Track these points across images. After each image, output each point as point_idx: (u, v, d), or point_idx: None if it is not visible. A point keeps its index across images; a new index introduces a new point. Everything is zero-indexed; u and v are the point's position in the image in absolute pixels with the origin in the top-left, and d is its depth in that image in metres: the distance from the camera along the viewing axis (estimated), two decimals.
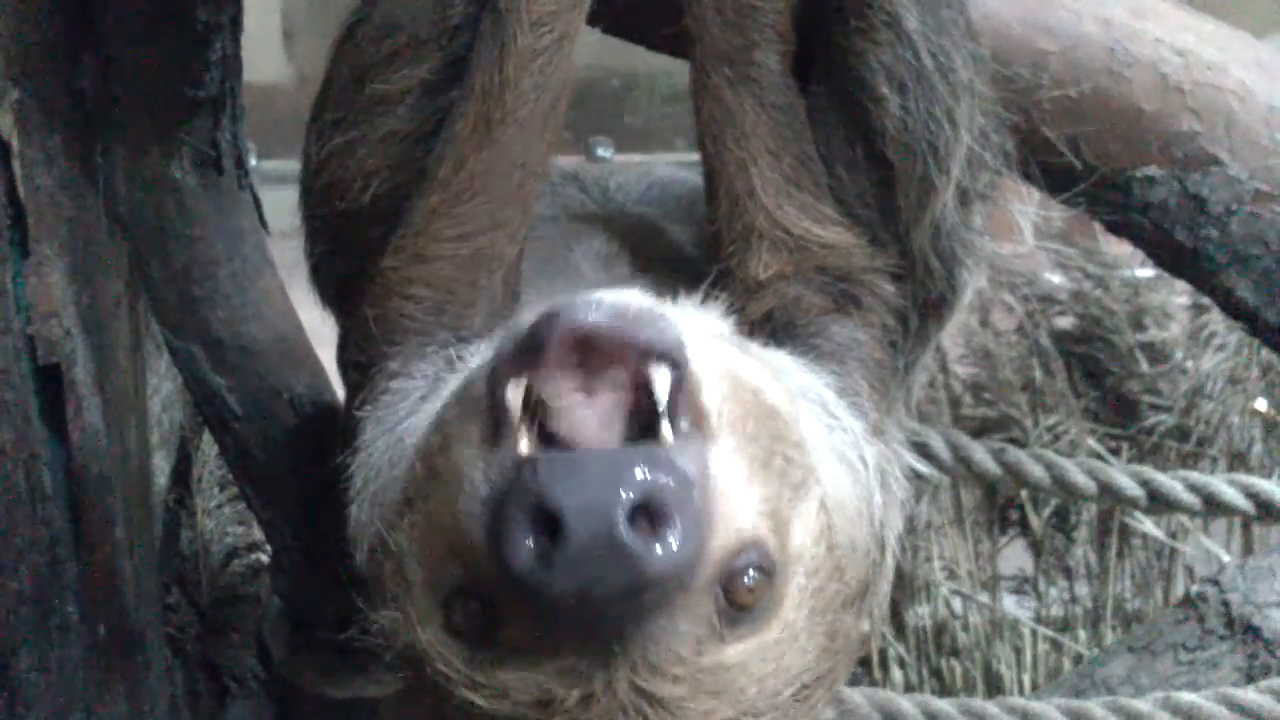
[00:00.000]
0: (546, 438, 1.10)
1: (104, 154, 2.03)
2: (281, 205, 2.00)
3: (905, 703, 2.17)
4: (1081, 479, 2.14)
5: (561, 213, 1.80)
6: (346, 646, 2.11)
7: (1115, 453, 3.22)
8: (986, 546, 3.38)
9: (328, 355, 1.99)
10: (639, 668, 1.12)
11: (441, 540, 1.18)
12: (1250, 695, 2.12)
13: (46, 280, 2.07)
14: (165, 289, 2.10)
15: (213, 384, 2.10)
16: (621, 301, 1.13)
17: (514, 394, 1.11)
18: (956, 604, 3.38)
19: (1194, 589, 2.72)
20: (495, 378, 1.13)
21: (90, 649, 2.25)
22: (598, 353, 1.10)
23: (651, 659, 1.12)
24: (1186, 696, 2.13)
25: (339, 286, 1.69)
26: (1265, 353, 3.34)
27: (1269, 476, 2.45)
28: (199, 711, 2.58)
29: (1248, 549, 3.26)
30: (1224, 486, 2.14)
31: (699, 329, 1.28)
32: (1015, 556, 3.44)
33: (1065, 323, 3.43)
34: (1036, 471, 2.15)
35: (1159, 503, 2.16)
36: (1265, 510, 2.15)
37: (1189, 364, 3.33)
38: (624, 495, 1.05)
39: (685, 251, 1.75)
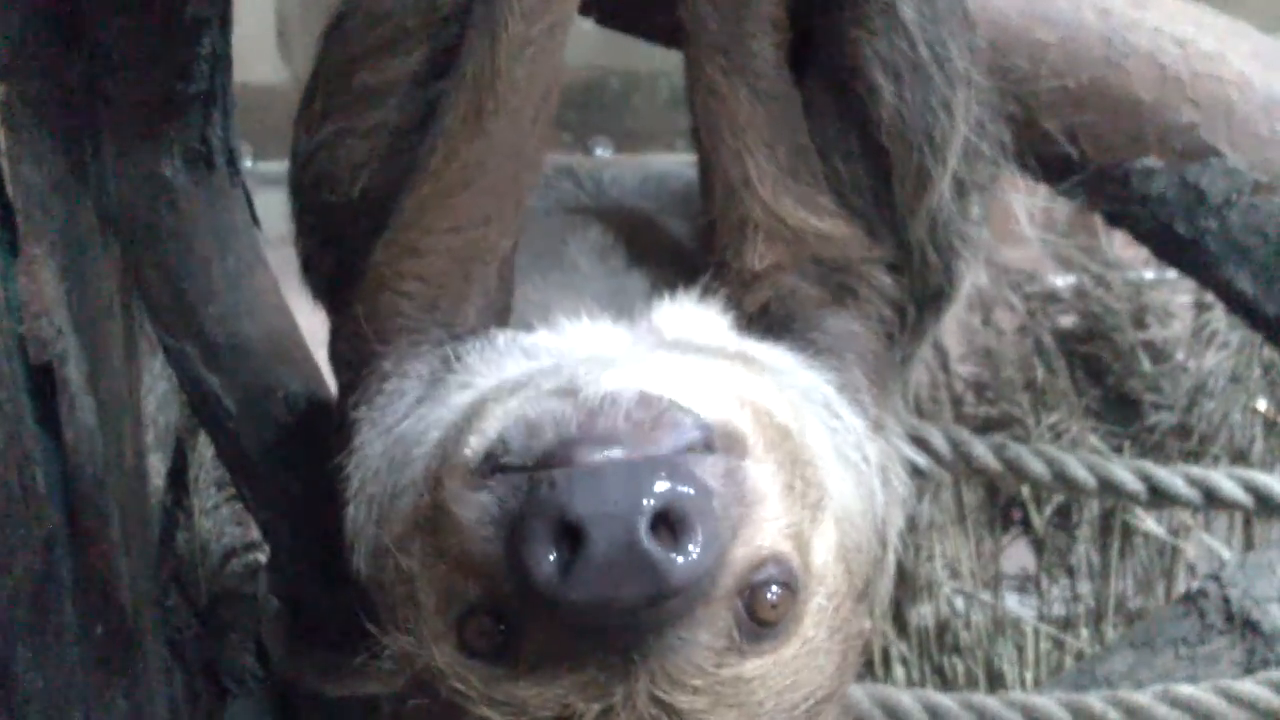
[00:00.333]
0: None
1: (94, 152, 2.02)
2: (277, 209, 1.99)
3: (906, 698, 2.17)
4: (1082, 474, 2.14)
5: (556, 206, 1.79)
6: (345, 645, 2.11)
7: (1117, 451, 3.21)
8: (989, 545, 3.37)
9: (323, 354, 1.99)
10: (659, 679, 1.12)
11: (454, 561, 1.17)
12: (1248, 687, 2.12)
13: (37, 279, 2.06)
14: (157, 287, 2.09)
15: (207, 383, 2.09)
16: (633, 420, 1.13)
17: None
18: (959, 602, 3.36)
19: (1195, 585, 2.72)
20: (494, 468, 1.14)
21: (88, 649, 2.24)
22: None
23: (671, 670, 1.12)
24: (1185, 689, 2.13)
25: (330, 281, 1.68)
26: (1267, 351, 3.33)
27: (1270, 474, 2.44)
28: (198, 712, 2.57)
29: (1249, 547, 3.25)
30: (1224, 480, 2.13)
31: (714, 375, 1.28)
32: (1017, 555, 3.43)
33: (1067, 321, 3.42)
34: (1037, 466, 2.14)
35: (1159, 497, 2.16)
36: (1265, 504, 2.14)
37: (1191, 363, 3.32)
38: (645, 503, 1.05)
39: (681, 245, 1.75)
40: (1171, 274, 3.44)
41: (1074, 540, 3.35)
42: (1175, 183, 1.72)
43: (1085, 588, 3.38)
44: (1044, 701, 2.20)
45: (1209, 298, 3.27)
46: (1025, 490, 3.32)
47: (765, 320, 1.51)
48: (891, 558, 1.48)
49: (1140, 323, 3.35)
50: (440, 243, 1.49)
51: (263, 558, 2.58)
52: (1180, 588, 3.15)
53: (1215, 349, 3.26)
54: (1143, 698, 2.18)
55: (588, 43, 1.72)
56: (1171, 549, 3.34)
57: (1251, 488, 2.15)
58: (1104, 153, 1.72)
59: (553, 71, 1.49)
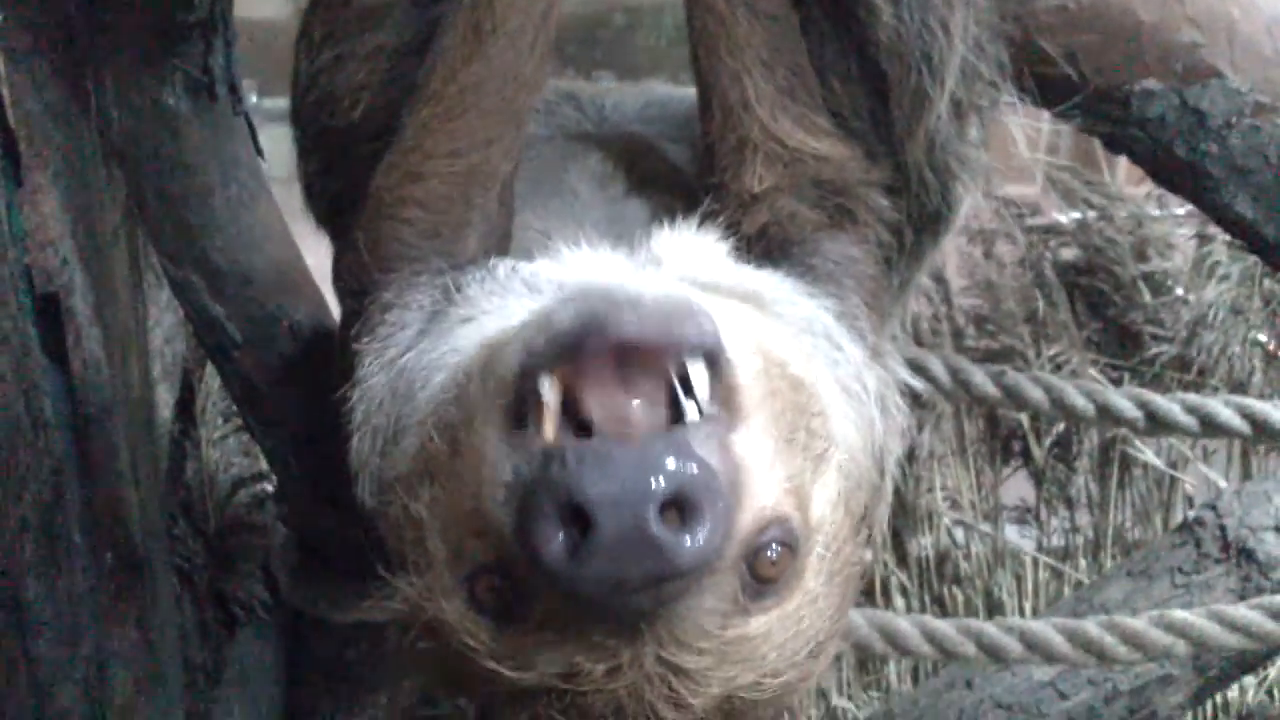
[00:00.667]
0: (575, 424, 1.10)
1: (94, 80, 2.02)
2: (282, 146, 1.98)
3: (904, 623, 2.19)
4: (1080, 401, 2.14)
5: (557, 132, 1.78)
6: (353, 573, 2.13)
7: (1117, 383, 3.21)
8: (989, 476, 3.39)
9: (328, 286, 1.99)
10: (665, 642, 1.13)
11: (465, 519, 1.17)
12: (1241, 612, 2.14)
13: (41, 209, 2.07)
14: (161, 217, 2.09)
15: (212, 312, 2.09)
16: (659, 301, 1.13)
17: (550, 392, 1.11)
18: (959, 533, 3.39)
19: (1191, 514, 2.75)
20: (528, 370, 1.13)
21: (97, 578, 2.26)
22: (637, 355, 1.10)
23: (678, 634, 1.13)
24: (1180, 614, 2.15)
25: (332, 206, 1.68)
26: (1268, 283, 3.33)
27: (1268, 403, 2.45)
28: (207, 640, 2.60)
29: (1246, 479, 3.27)
30: (1221, 408, 2.14)
31: (730, 314, 1.27)
32: (1017, 486, 3.44)
33: (1069, 254, 3.42)
34: (1035, 394, 2.14)
35: (1157, 425, 2.16)
36: (1262, 432, 2.15)
37: (1191, 295, 3.32)
38: (654, 488, 1.05)
39: (681, 170, 1.74)
40: (1177, 209, 3.45)
41: (1073, 472, 3.37)
42: (1175, 105, 1.70)
43: (1084, 519, 3.41)
44: (1040, 626, 2.21)
45: (1210, 230, 3.27)
46: (1025, 422, 3.34)
47: (764, 244, 1.51)
48: (890, 485, 1.49)
49: (1141, 255, 3.35)
50: (441, 167, 1.48)
51: (270, 488, 2.61)
52: (1178, 519, 3.17)
53: (1216, 281, 3.26)
54: (1138, 623, 2.19)
55: None
56: (1170, 481, 3.36)
57: (1249, 415, 2.15)
58: (1103, 75, 1.70)
59: None
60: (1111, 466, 3.34)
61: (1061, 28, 1.70)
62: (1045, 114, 1.82)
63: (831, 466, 1.26)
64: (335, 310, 1.90)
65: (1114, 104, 1.72)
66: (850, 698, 3.25)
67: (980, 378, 2.16)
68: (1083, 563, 3.36)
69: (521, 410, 1.13)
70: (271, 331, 2.09)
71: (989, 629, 2.19)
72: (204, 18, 1.91)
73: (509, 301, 1.37)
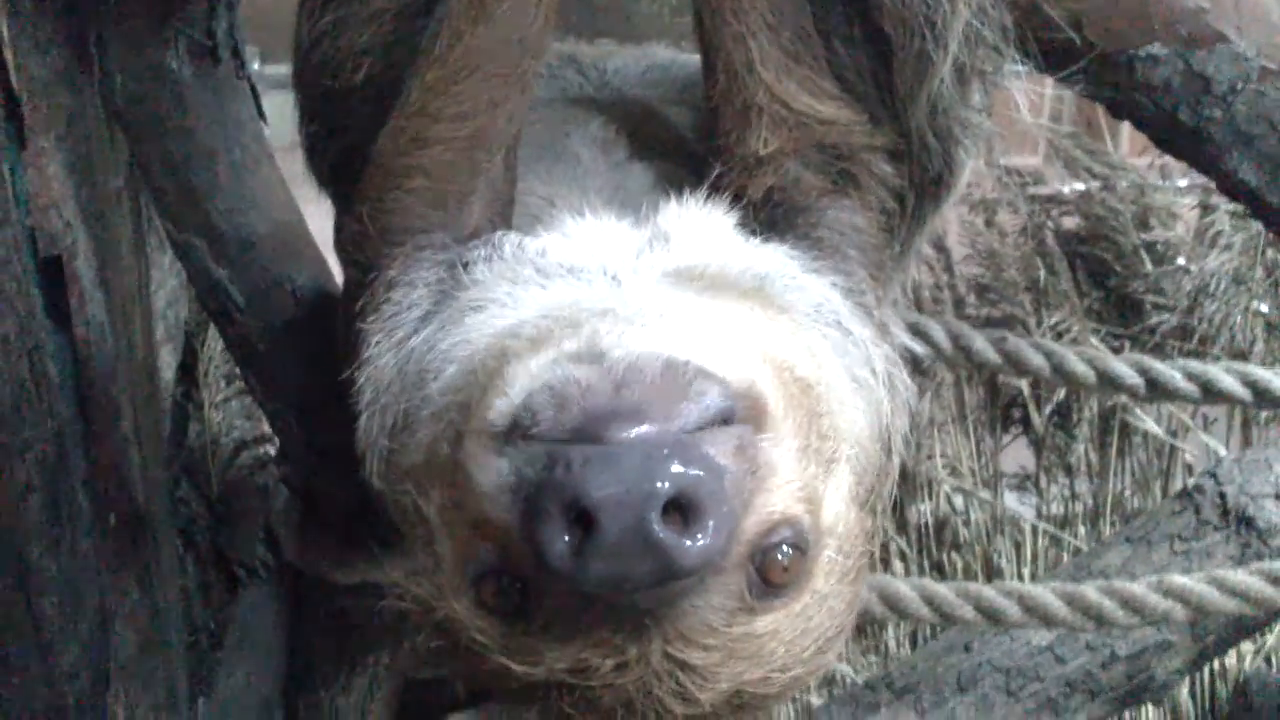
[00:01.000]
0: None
1: (97, 44, 2.02)
2: (284, 113, 1.98)
3: (904, 587, 2.20)
4: (1081, 367, 2.14)
5: (559, 96, 1.78)
6: (355, 534, 2.15)
7: (1117, 352, 3.21)
8: (989, 444, 3.40)
9: (330, 250, 1.99)
10: (672, 639, 1.14)
11: (472, 522, 1.18)
12: (1240, 577, 2.15)
13: (45, 172, 2.07)
14: (164, 180, 2.09)
15: (214, 275, 2.10)
16: (660, 391, 1.12)
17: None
18: (958, 500, 3.40)
19: (1191, 481, 2.76)
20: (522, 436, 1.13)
21: (101, 538, 2.28)
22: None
23: (684, 631, 1.14)
24: (1178, 579, 2.16)
25: (335, 167, 1.68)
26: (1270, 253, 3.33)
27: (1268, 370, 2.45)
28: (210, 601, 2.62)
29: (1246, 447, 3.27)
30: (1222, 375, 2.14)
31: (748, 339, 1.26)
32: (1017, 454, 3.45)
33: (1071, 223, 3.42)
34: (1036, 360, 2.15)
35: (1157, 391, 2.16)
36: (1262, 398, 2.15)
37: (1193, 264, 3.32)
38: (657, 490, 1.05)
39: (683, 135, 1.74)
40: (1180, 180, 3.44)
41: (1073, 439, 3.38)
42: (1180, 70, 1.69)
43: (1083, 486, 3.41)
44: (1040, 591, 2.22)
45: (1213, 199, 3.27)
46: (1025, 389, 3.34)
47: (768, 210, 1.51)
48: (895, 461, 1.48)
49: (1144, 224, 3.34)
50: (447, 131, 1.48)
51: (272, 450, 2.62)
52: (1177, 488, 3.18)
53: (1218, 251, 3.25)
54: (1137, 588, 2.20)
55: None
56: (1169, 449, 3.36)
57: (1249, 382, 2.16)
58: (1108, 39, 1.69)
59: None
60: (1111, 434, 3.34)
61: None
62: (1048, 80, 1.81)
63: (843, 466, 1.27)
64: (337, 274, 1.91)
65: (1118, 69, 1.71)
66: (849, 661, 3.27)
67: (981, 343, 2.17)
68: (1081, 530, 3.37)
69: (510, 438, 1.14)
70: (274, 295, 2.09)
71: (988, 593, 2.20)
72: None
73: (518, 291, 1.37)
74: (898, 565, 3.29)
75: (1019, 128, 1.69)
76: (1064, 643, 2.66)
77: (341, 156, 1.65)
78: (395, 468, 1.37)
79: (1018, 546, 3.38)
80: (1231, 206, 3.25)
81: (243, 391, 2.63)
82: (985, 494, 3.39)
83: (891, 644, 3.33)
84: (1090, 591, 2.19)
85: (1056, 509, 3.44)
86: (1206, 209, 3.31)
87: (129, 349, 2.30)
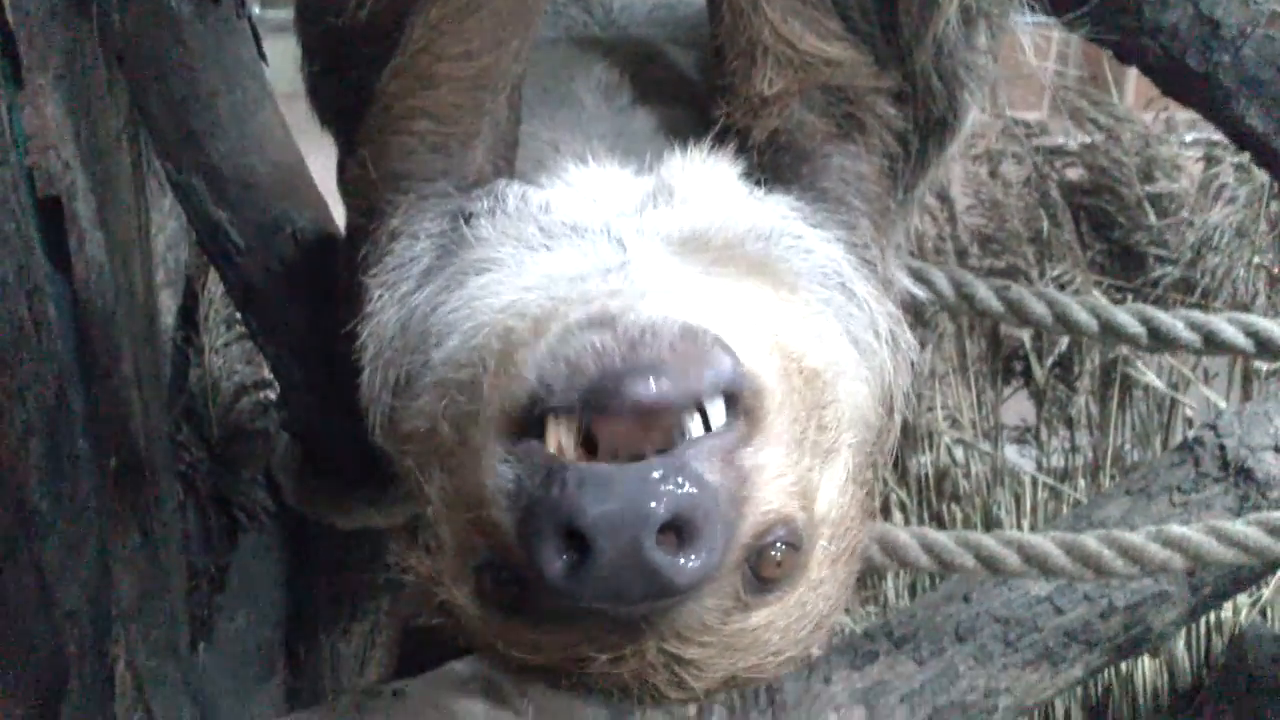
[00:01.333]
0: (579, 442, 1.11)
1: None
2: (285, 59, 1.96)
3: (903, 535, 2.20)
4: (1083, 316, 2.14)
5: (564, 34, 1.76)
6: (355, 479, 2.15)
7: (1120, 304, 3.21)
8: (990, 396, 3.40)
9: (330, 192, 1.98)
10: (667, 636, 1.15)
11: (473, 515, 1.18)
12: (1238, 527, 2.15)
13: (43, 111, 2.06)
14: (164, 121, 2.07)
15: (214, 217, 2.09)
16: (677, 348, 1.11)
17: (565, 437, 1.11)
18: (959, 452, 3.40)
19: (1191, 433, 2.75)
20: (539, 407, 1.12)
21: (101, 482, 2.28)
22: (654, 409, 1.10)
23: (679, 630, 1.15)
24: (1177, 529, 2.16)
25: (338, 106, 1.66)
26: (1275, 206, 3.31)
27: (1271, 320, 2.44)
28: (210, 546, 2.62)
29: (1247, 400, 3.27)
30: (1224, 325, 2.13)
31: (751, 323, 1.25)
32: (1018, 406, 3.45)
33: (1075, 175, 3.40)
34: (1039, 309, 2.14)
35: (1159, 341, 2.16)
36: (1264, 349, 2.15)
37: (1197, 217, 3.30)
38: (652, 513, 1.06)
39: (688, 76, 1.72)
40: (1186, 135, 3.42)
41: (1074, 392, 3.37)
42: (1189, 14, 1.67)
43: (1084, 439, 3.41)
44: (1039, 540, 2.22)
45: (1218, 151, 3.25)
46: (1027, 341, 3.34)
47: (773, 156, 1.50)
48: (898, 420, 1.48)
49: (1148, 177, 3.33)
50: (452, 70, 1.46)
51: (273, 395, 2.61)
52: (1177, 441, 3.18)
53: (1222, 204, 3.24)
54: (1136, 538, 2.20)
55: None
56: (1170, 402, 3.36)
57: (1252, 332, 2.15)
58: None
59: None
60: (1112, 387, 3.34)
61: None
62: (1055, 29, 1.79)
63: (841, 453, 1.27)
64: (339, 216, 1.90)
65: (1126, 12, 1.69)
66: (847, 612, 3.29)
67: (984, 292, 2.16)
68: (1081, 483, 3.38)
69: (526, 426, 1.14)
70: (274, 237, 2.08)
71: (987, 541, 2.21)
72: None
73: (522, 254, 1.36)
74: (897, 516, 3.30)
75: (1025, 71, 1.67)
76: (1063, 593, 2.67)
77: (344, 96, 1.63)
78: (398, 426, 1.37)
79: (1017, 499, 3.38)
80: (1237, 158, 3.23)
81: (243, 336, 2.62)
82: (986, 446, 3.40)
83: (891, 594, 3.34)
84: (1090, 541, 2.19)
85: (1056, 462, 3.44)
86: (1211, 161, 3.29)
87: (129, 291, 2.30)
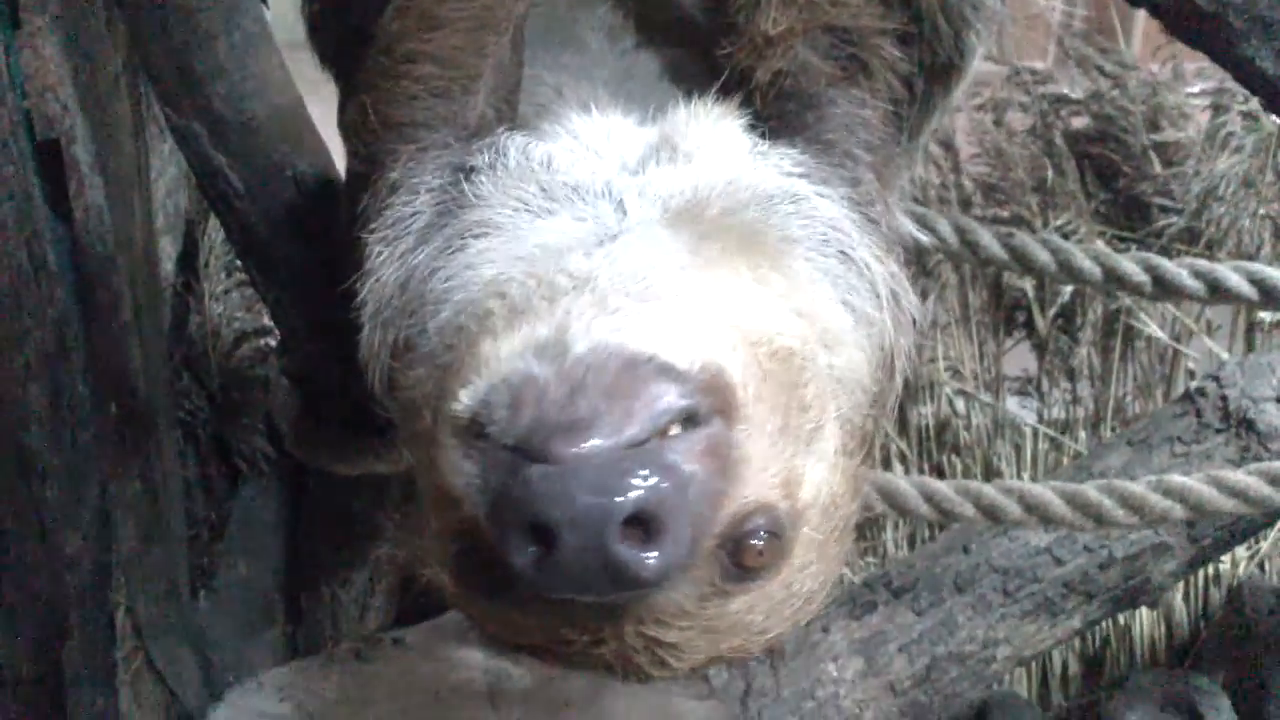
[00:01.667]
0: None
1: None
2: (287, 7, 1.94)
3: (904, 484, 2.20)
4: (1087, 264, 2.13)
5: None
6: (355, 425, 2.14)
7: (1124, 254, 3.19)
8: (991, 347, 3.38)
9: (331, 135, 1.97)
10: (645, 621, 1.15)
11: (449, 503, 1.18)
12: (1239, 477, 2.15)
13: (41, 53, 2.04)
14: (163, 64, 2.05)
15: (214, 161, 2.07)
16: (616, 398, 1.10)
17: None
18: (960, 403, 3.39)
19: (1193, 384, 2.75)
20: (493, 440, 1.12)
21: (102, 428, 2.28)
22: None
23: (657, 614, 1.15)
24: (1178, 479, 2.16)
25: (338, 45, 1.65)
26: None
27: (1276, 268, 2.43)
28: (211, 493, 2.63)
29: (1250, 352, 3.26)
30: (1229, 273, 2.12)
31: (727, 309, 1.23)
32: (1019, 357, 3.44)
33: (1080, 124, 3.37)
34: (1042, 256, 2.13)
35: (1164, 289, 2.14)
36: (1269, 297, 2.14)
37: (1203, 167, 3.27)
38: (615, 507, 1.05)
39: (693, 18, 1.70)
40: (1192, 86, 3.39)
41: (1076, 343, 3.36)
42: None
43: (1085, 391, 3.40)
44: (1040, 489, 2.23)
45: (1225, 99, 3.22)
46: (1030, 292, 3.32)
47: (777, 103, 1.48)
48: (899, 380, 1.47)
49: (1154, 125, 3.30)
50: (453, 10, 1.44)
51: (273, 342, 2.61)
52: (1179, 394, 3.17)
53: (1229, 153, 3.21)
54: (1136, 487, 2.20)
55: None
56: (1172, 354, 3.35)
57: (1257, 280, 2.14)
58: None
59: None
60: (1115, 338, 3.32)
61: None
62: None
63: (826, 429, 1.26)
64: (339, 161, 1.88)
65: None
66: (846, 563, 3.29)
67: (987, 239, 2.15)
68: (1082, 435, 3.37)
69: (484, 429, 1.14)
70: (274, 181, 2.07)
71: (988, 490, 2.21)
72: None
73: (519, 220, 1.35)
74: (898, 467, 3.29)
75: (1033, 10, 1.65)
76: (1062, 544, 2.68)
77: (344, 35, 1.62)
78: (396, 389, 1.37)
79: (1018, 450, 3.38)
80: (1245, 107, 3.21)
81: (243, 283, 2.61)
82: (987, 397, 3.39)
83: (890, 546, 3.34)
84: (1090, 490, 2.19)
85: (1058, 413, 3.43)
86: (1219, 110, 3.26)
87: (128, 237, 2.28)
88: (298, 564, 2.64)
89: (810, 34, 1.48)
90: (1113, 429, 3.34)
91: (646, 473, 1.06)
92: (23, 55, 2.00)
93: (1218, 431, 2.65)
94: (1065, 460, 3.31)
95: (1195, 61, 3.33)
